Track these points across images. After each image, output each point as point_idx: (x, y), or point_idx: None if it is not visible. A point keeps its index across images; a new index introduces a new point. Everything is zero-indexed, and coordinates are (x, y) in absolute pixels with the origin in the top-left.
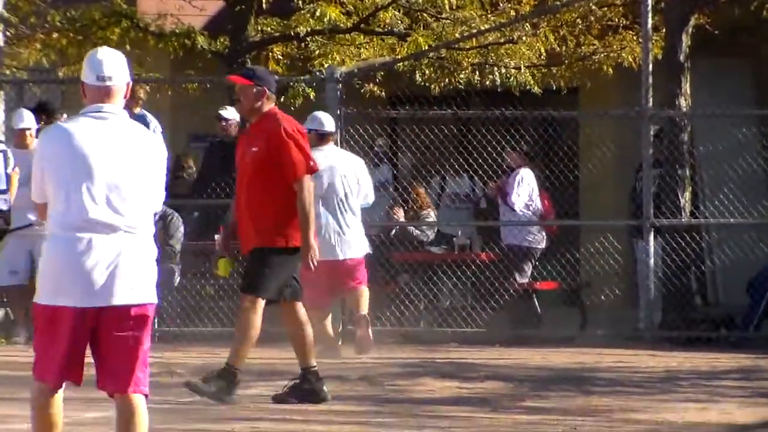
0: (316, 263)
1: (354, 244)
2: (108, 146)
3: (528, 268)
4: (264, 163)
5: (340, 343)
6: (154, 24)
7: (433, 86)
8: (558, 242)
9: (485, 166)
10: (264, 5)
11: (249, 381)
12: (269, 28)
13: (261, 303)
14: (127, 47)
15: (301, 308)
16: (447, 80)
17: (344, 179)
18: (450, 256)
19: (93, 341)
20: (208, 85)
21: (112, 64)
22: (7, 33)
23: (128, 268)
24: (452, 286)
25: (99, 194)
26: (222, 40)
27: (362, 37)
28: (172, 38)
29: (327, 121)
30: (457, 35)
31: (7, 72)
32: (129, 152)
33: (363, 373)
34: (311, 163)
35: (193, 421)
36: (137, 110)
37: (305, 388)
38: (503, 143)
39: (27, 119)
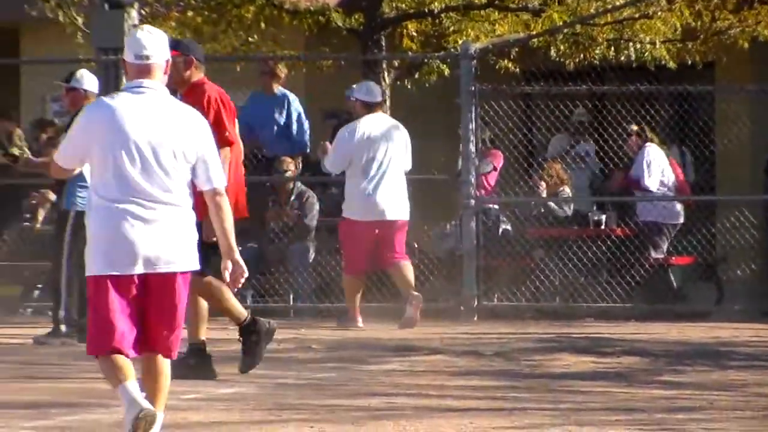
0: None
1: (397, 206)
2: (147, 120)
3: (663, 244)
4: None
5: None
6: (288, 1)
7: (567, 62)
8: (694, 217)
9: (620, 141)
10: None
11: (385, 356)
12: (404, 5)
13: (211, 278)
14: (262, 25)
15: (215, 284)
16: (582, 56)
17: (390, 145)
18: (585, 232)
19: (138, 307)
20: (343, 63)
21: (151, 43)
22: (143, 11)
23: (168, 237)
24: (587, 261)
25: (139, 167)
26: (357, 17)
27: (497, 13)
28: (306, 15)
29: (375, 91)
30: (592, 11)
31: None
32: (168, 126)
33: (498, 348)
34: (227, 135)
35: (328, 396)
36: (277, 89)
37: (191, 363)
38: (638, 119)
39: None
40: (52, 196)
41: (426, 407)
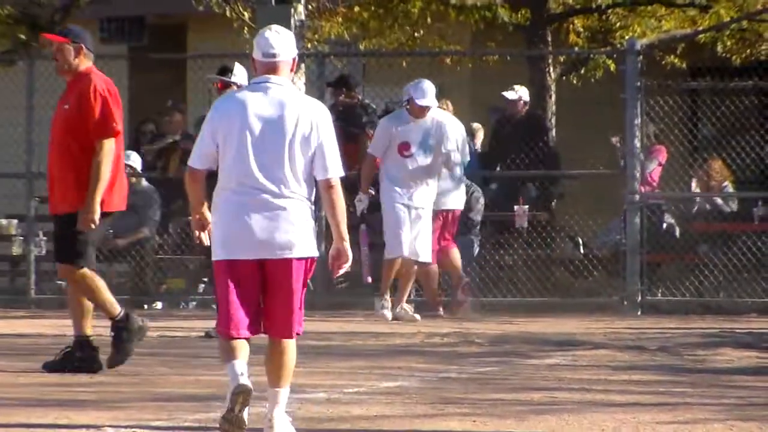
0: (94, 226)
1: (453, 196)
2: (269, 112)
3: None
4: (74, 123)
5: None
6: None
7: (734, 57)
8: None
9: None
10: None
11: (548, 351)
12: (570, 1)
13: (86, 270)
14: (428, 20)
15: (89, 276)
16: (748, 51)
17: (447, 140)
18: (750, 227)
19: (261, 291)
20: (508, 58)
21: (279, 42)
22: (309, 6)
23: (285, 225)
24: (752, 256)
25: (260, 158)
26: (523, 12)
27: (663, 9)
28: (473, 11)
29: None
30: (759, 6)
31: (309, 46)
32: (289, 118)
33: (662, 343)
34: (114, 125)
35: (491, 390)
36: None
37: (78, 356)
38: None
39: None
40: None
41: (589, 401)
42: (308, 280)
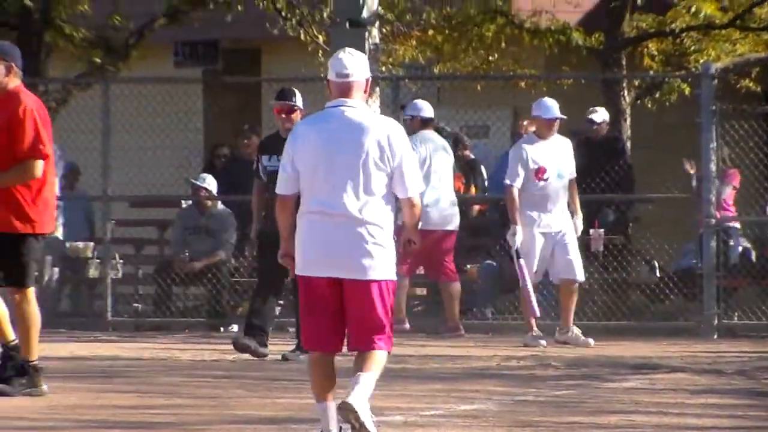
0: None
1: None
2: (347, 137)
3: None
4: (2, 142)
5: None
6: (529, 20)
7: None
8: None
9: None
10: (639, 1)
11: (625, 374)
12: (644, 24)
13: (31, 291)
14: (503, 44)
15: (32, 297)
16: None
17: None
18: None
19: (342, 309)
20: (583, 81)
21: (352, 63)
22: (384, 30)
23: (362, 247)
24: None
25: (337, 181)
26: (597, 36)
27: (737, 32)
28: (547, 34)
29: (428, 108)
30: None
31: (383, 69)
32: (366, 140)
33: (739, 366)
34: (41, 147)
35: (568, 413)
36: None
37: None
38: None
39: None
40: None
41: (666, 425)
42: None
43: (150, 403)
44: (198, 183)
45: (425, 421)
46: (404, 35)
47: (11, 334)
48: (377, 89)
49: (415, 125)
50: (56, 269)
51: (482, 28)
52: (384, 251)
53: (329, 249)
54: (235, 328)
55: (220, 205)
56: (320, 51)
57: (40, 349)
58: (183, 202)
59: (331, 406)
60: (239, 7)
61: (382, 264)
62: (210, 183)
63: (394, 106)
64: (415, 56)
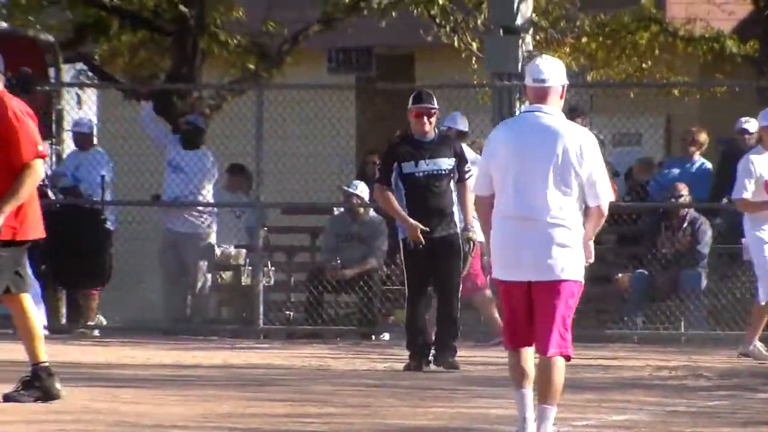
0: None
1: None
2: (540, 143)
3: None
4: None
5: None
6: (683, 28)
7: None
8: None
9: None
10: None
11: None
12: None
13: (22, 297)
14: (656, 51)
15: (28, 301)
16: None
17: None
18: None
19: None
20: (737, 89)
21: (548, 69)
22: (537, 37)
23: (550, 250)
24: None
25: (527, 185)
26: (752, 44)
27: None
28: (700, 42)
29: (463, 122)
30: None
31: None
32: (559, 147)
33: None
34: (39, 149)
35: (720, 424)
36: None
37: (37, 386)
38: None
39: None
40: None
41: None
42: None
43: (302, 412)
44: (350, 190)
45: None
46: (558, 42)
47: (42, 355)
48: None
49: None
50: (209, 276)
51: (636, 35)
52: (572, 253)
53: (519, 252)
54: (386, 336)
55: (372, 213)
56: (474, 58)
57: (193, 357)
58: (335, 209)
59: (527, 393)
60: (393, 14)
61: (569, 265)
62: (362, 190)
63: None
64: (568, 63)
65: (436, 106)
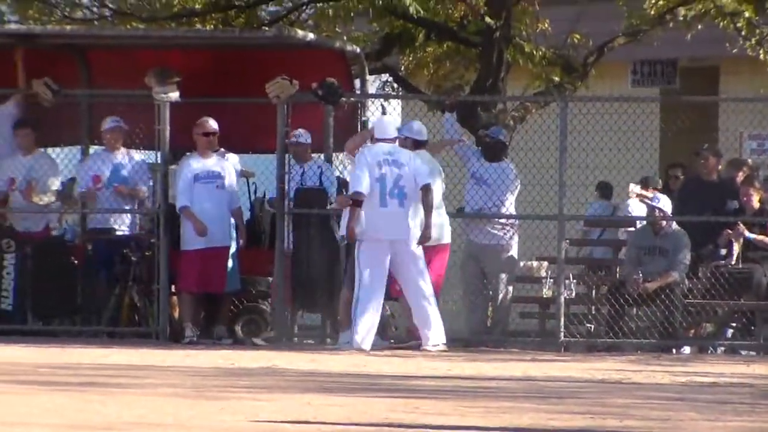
0: None
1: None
2: None
3: None
4: None
5: None
6: None
7: None
8: None
9: None
10: None
11: None
12: None
13: None
14: None
15: None
16: None
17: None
18: None
19: None
20: None
21: None
22: None
23: None
24: None
25: None
26: None
27: None
28: None
29: (422, 131)
30: None
31: None
32: None
33: None
34: None
35: None
36: None
37: None
38: None
39: None
40: (746, 232)
41: None
42: None
43: (602, 425)
44: (652, 203)
45: None
46: None
47: None
48: None
49: (407, 145)
50: (510, 288)
51: None
52: None
53: None
54: (686, 350)
55: (674, 225)
56: None
57: (493, 368)
58: (637, 222)
59: None
60: (699, 26)
61: None
62: (664, 204)
63: None
64: None
65: None
